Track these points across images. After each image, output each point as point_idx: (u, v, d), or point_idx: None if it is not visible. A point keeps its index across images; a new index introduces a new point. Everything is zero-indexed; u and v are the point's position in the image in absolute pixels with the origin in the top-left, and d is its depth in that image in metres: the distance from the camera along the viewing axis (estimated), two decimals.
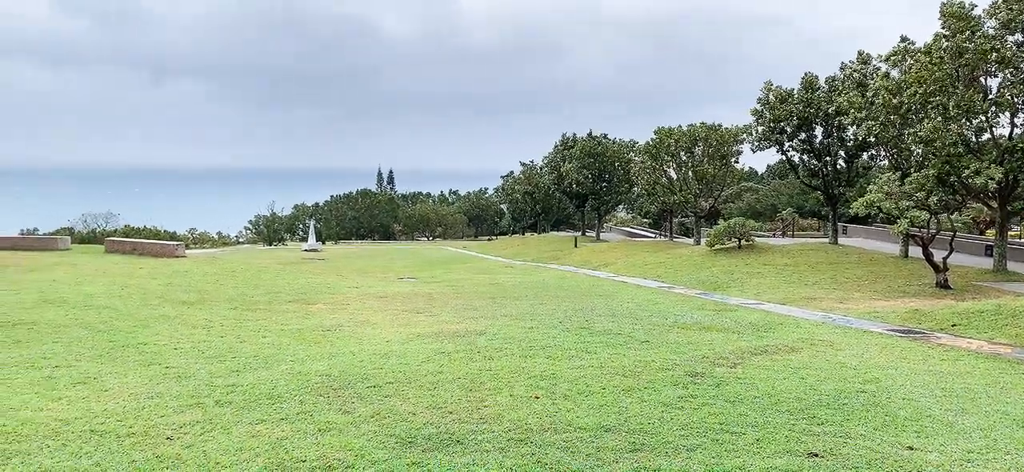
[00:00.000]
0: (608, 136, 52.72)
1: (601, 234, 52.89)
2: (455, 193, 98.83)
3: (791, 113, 31.68)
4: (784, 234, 44.18)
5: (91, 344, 11.14)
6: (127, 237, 38.20)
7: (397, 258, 40.62)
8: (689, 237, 45.98)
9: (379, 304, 17.38)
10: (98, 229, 50.85)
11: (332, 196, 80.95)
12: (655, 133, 40.03)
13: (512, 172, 69.43)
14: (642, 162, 42.22)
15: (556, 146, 54.48)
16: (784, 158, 34.59)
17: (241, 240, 70.28)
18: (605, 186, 50.69)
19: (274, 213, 73.40)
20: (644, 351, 10.98)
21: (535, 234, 64.83)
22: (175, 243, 31.18)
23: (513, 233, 72.28)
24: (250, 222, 74.91)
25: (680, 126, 39.72)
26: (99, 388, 8.25)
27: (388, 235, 75.20)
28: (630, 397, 8.10)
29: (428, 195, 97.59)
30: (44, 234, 44.03)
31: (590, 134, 52.76)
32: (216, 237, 68.00)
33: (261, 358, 10.23)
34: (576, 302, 17.66)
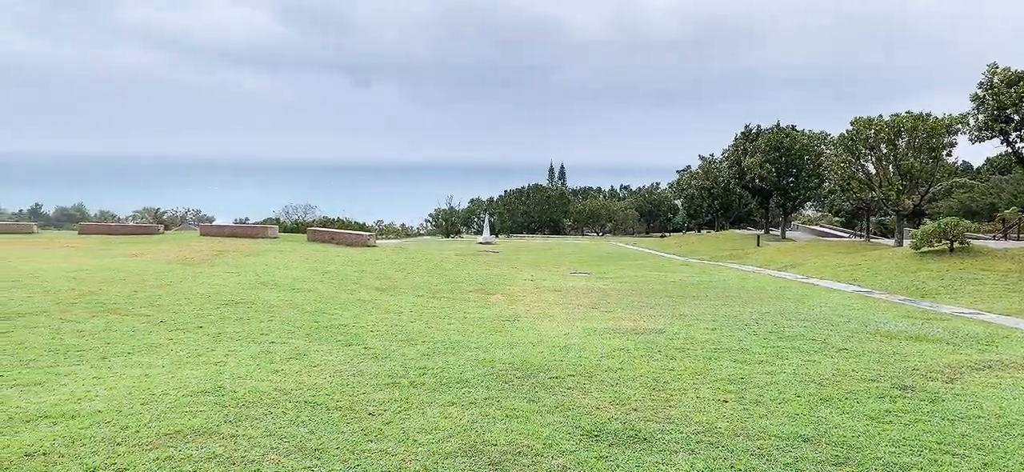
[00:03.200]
0: (796, 127, 49.40)
1: (786, 232, 49.66)
2: (627, 188, 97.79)
3: (1021, 98, 27.71)
4: (1006, 236, 38.90)
5: (300, 323, 12.28)
6: (324, 227, 41.81)
7: (568, 253, 40.92)
8: (888, 238, 41.88)
9: (554, 297, 17.55)
10: (299, 219, 56.32)
11: (506, 191, 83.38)
12: (851, 124, 36.77)
13: (688, 166, 67.38)
14: (835, 155, 38.96)
15: (737, 138, 51.98)
16: (1009, 150, 30.35)
17: (421, 232, 74.54)
18: (792, 181, 47.47)
19: (451, 207, 77.02)
20: (842, 359, 10.11)
21: (712, 231, 62.37)
22: (367, 233, 33.64)
23: (688, 230, 70.10)
24: (430, 215, 79.18)
25: (880, 116, 36.19)
26: (309, 363, 9.06)
27: (558, 230, 76.08)
28: (829, 407, 7.48)
29: (599, 190, 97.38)
30: (254, 223, 49.53)
31: (776, 125, 49.75)
32: (400, 228, 72.72)
33: (448, 344, 10.71)
34: (762, 304, 16.70)
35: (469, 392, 7.79)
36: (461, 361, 9.39)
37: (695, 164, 63.63)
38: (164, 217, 60.33)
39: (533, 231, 75.52)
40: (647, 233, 75.35)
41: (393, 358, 9.53)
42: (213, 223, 49.12)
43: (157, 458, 5.48)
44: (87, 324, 11.59)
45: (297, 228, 46.62)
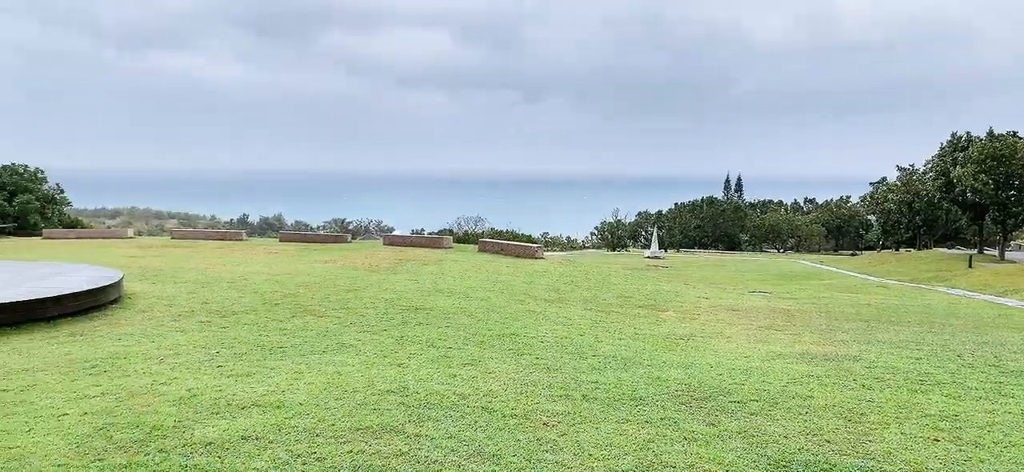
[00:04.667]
0: (1018, 135, 43.52)
1: (1005, 253, 43.78)
2: (811, 201, 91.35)
3: None
4: None
5: (474, 331, 12.67)
6: (492, 238, 43.07)
7: (745, 269, 38.94)
8: None
9: (731, 317, 16.72)
10: (470, 231, 58.60)
11: (676, 204, 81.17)
12: None
13: (884, 178, 61.69)
14: None
15: (943, 148, 46.79)
16: None
17: (586, 245, 74.55)
18: (1013, 195, 41.82)
19: (618, 220, 76.25)
20: None
21: (911, 250, 56.48)
22: (535, 245, 34.20)
23: (883, 247, 64.05)
24: (596, 228, 78.94)
25: None
26: (484, 370, 9.29)
27: (733, 245, 72.70)
28: None
29: (779, 203, 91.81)
30: (429, 234, 52.22)
31: (990, 133, 44.15)
32: (565, 241, 73.27)
33: (619, 359, 10.52)
34: (978, 334, 14.78)
35: (643, 410, 7.57)
36: (634, 378, 9.17)
37: (892, 176, 58.06)
38: (350, 227, 65.46)
39: (705, 246, 72.78)
40: (835, 250, 69.83)
41: (564, 370, 9.51)
42: (393, 233, 52.47)
43: (351, 451, 5.85)
44: (288, 323, 12.77)
45: (468, 239, 48.52)
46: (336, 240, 36.54)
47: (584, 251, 61.36)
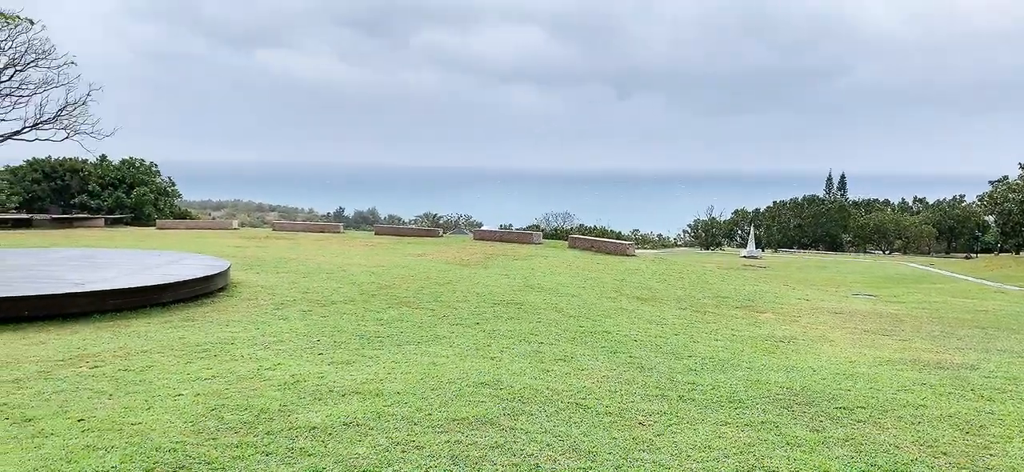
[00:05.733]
0: None
1: None
2: (921, 201, 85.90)
3: None
4: None
5: (565, 327, 12.62)
6: (582, 235, 42.81)
7: (847, 271, 37.07)
8: None
9: (834, 320, 15.93)
10: (558, 227, 58.44)
11: (775, 202, 78.21)
12: None
13: (1005, 176, 57.26)
14: None
15: None
16: None
17: (678, 243, 72.96)
18: None
19: (713, 217, 74.22)
20: None
21: None
22: (627, 242, 33.76)
23: (1002, 250, 59.52)
24: (688, 225, 77.13)
25: None
26: (577, 367, 9.24)
27: (835, 245, 69.42)
28: None
29: (886, 202, 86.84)
30: (518, 229, 52.45)
31: None
32: (656, 239, 71.97)
33: (716, 361, 10.22)
34: None
35: (743, 413, 7.32)
36: (732, 380, 8.89)
37: (1014, 174, 53.77)
38: (440, 221, 66.74)
39: (805, 246, 69.81)
40: (947, 253, 65.48)
41: (658, 370, 9.33)
42: (481, 228, 53.06)
43: (448, 440, 5.95)
44: (384, 314, 13.13)
45: (557, 235, 48.50)
46: (428, 234, 37.32)
47: (676, 249, 60.10)
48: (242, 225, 43.41)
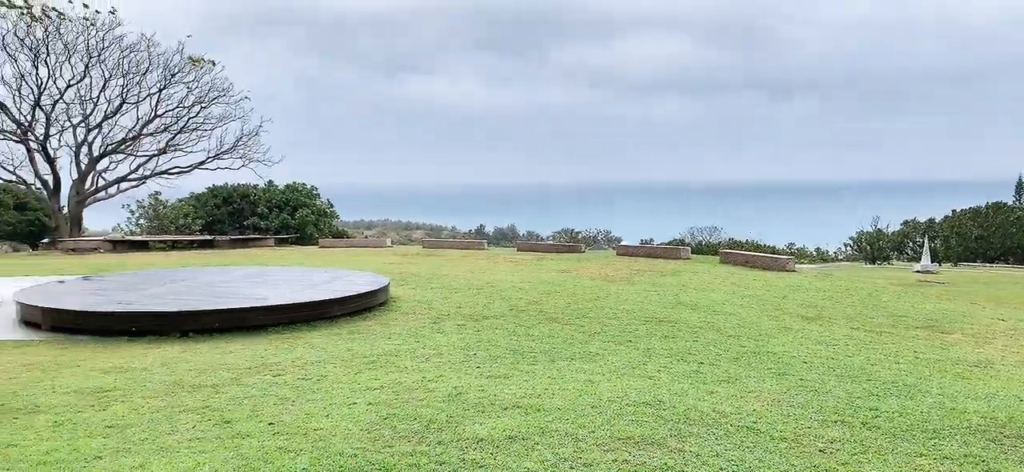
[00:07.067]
0: None
1: None
2: None
3: None
4: None
5: (725, 347, 12.05)
6: (732, 249, 40.97)
7: None
8: None
9: None
10: (704, 240, 56.26)
11: (953, 211, 70.97)
12: None
13: None
14: None
15: None
16: None
17: (839, 257, 67.96)
18: None
19: (879, 229, 68.59)
20: None
21: None
22: (787, 257, 31.87)
23: None
24: (851, 238, 71.74)
25: None
26: (742, 389, 8.75)
27: None
28: None
29: None
30: (662, 244, 51.06)
31: None
32: (814, 253, 67.44)
33: (900, 386, 9.31)
34: None
35: (939, 445, 6.58)
36: (921, 407, 8.04)
37: None
38: (578, 236, 66.61)
39: (990, 259, 62.71)
40: None
41: (834, 394, 8.64)
42: (622, 243, 52.27)
43: (615, 459, 5.80)
44: (535, 329, 13.20)
45: (704, 249, 46.77)
46: (570, 249, 37.32)
47: (837, 264, 56.06)
48: (393, 243, 45.71)
